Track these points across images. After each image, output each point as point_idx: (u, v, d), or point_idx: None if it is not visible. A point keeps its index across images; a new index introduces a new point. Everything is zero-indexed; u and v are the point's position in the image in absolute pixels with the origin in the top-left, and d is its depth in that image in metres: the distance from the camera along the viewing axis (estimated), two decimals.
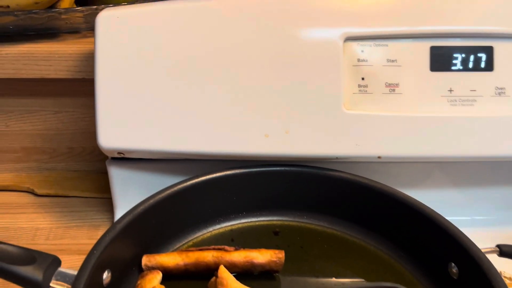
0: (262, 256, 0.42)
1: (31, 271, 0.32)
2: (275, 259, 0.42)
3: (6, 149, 0.63)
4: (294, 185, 0.48)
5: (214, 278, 0.39)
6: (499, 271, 0.45)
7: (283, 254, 0.42)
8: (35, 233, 0.54)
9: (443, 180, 0.53)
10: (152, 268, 0.41)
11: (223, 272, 0.38)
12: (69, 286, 0.33)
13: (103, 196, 0.60)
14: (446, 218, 0.42)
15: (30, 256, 0.33)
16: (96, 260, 0.35)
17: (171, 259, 0.42)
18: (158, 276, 0.40)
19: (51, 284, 0.33)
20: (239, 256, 0.42)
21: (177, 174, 0.52)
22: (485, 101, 0.46)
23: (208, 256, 0.41)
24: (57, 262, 0.35)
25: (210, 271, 0.41)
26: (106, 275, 0.37)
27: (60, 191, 0.60)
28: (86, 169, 0.65)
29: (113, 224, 0.39)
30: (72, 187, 0.61)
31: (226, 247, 0.42)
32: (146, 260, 0.41)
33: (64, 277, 0.34)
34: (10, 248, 0.34)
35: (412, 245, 0.44)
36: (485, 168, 0.52)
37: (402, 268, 0.44)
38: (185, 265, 0.41)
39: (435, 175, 0.53)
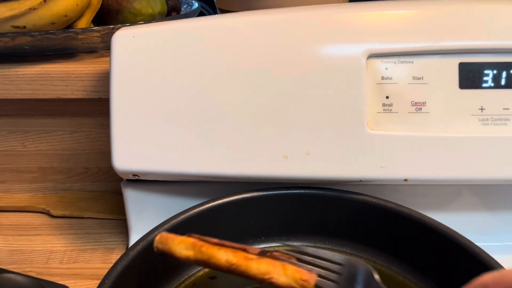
0: (284, 277, 0.34)
1: None
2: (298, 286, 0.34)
3: (23, 169, 0.63)
4: (315, 208, 0.46)
5: None
6: None
7: (314, 279, 0.33)
8: (49, 256, 0.53)
9: (474, 203, 0.50)
10: (163, 252, 0.36)
11: None
12: None
13: (118, 218, 0.59)
14: (477, 243, 0.39)
15: (39, 287, 0.32)
16: None
17: (183, 249, 0.35)
18: None
19: None
20: (258, 269, 0.34)
21: (193, 196, 0.50)
22: None
23: (222, 259, 0.35)
24: None
25: (223, 271, 0.35)
26: None
27: (75, 212, 0.59)
28: (102, 189, 0.64)
29: (126, 252, 0.37)
30: (87, 208, 0.60)
31: (248, 249, 0.34)
32: (158, 241, 0.36)
33: None
34: (19, 278, 0.32)
35: (442, 274, 0.41)
36: None
37: None
38: (196, 261, 0.35)
39: (466, 198, 0.50)
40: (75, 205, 0.61)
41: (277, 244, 0.47)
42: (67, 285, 0.35)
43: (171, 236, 0.36)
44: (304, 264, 0.34)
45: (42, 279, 0.33)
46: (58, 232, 0.57)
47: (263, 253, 0.34)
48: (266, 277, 0.33)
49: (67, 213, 0.59)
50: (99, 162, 0.62)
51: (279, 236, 0.47)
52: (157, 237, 0.36)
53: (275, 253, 0.34)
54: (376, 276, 0.33)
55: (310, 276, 0.33)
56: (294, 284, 0.33)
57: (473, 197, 0.50)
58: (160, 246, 0.36)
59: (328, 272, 0.34)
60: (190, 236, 0.36)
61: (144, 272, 0.39)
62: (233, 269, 0.34)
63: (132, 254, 0.37)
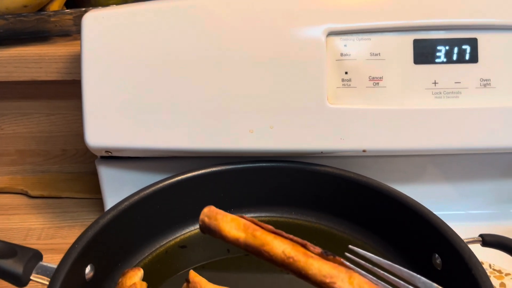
0: (349, 286, 0.29)
1: (11, 264, 0.33)
2: None
3: (1, 152, 0.64)
4: (280, 181, 0.49)
5: (185, 284, 0.38)
6: (488, 264, 0.45)
7: None
8: (27, 233, 0.54)
9: (435, 175, 0.53)
10: (208, 228, 0.33)
11: (194, 276, 0.37)
12: (49, 279, 0.33)
13: (96, 197, 0.60)
14: (441, 212, 0.42)
15: (11, 250, 0.34)
16: (77, 255, 0.36)
17: (233, 229, 0.32)
18: (139, 273, 0.40)
19: (31, 277, 0.34)
20: (319, 270, 0.29)
21: (166, 172, 0.52)
22: (470, 93, 0.46)
23: (279, 249, 0.30)
24: (38, 256, 0.35)
25: (273, 263, 0.31)
26: (88, 270, 0.38)
27: (53, 193, 0.61)
28: (80, 170, 0.65)
29: (96, 219, 0.39)
30: (65, 188, 0.62)
31: (309, 246, 0.30)
32: (205, 214, 0.33)
33: (44, 271, 0.34)
34: None
35: (398, 238, 0.44)
36: (475, 161, 0.52)
37: None
38: (246, 245, 0.32)
39: (426, 170, 0.53)
40: (53, 185, 0.62)
41: (247, 215, 0.49)
42: (44, 258, 0.36)
43: (222, 212, 0.33)
44: (371, 276, 0.30)
45: (14, 243, 0.35)
46: (36, 211, 0.58)
47: (325, 254, 0.30)
48: (328, 280, 0.29)
49: (45, 193, 0.61)
50: (76, 144, 0.64)
51: (248, 208, 0.50)
52: (205, 210, 0.32)
53: (338, 258, 0.30)
54: None
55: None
56: None
57: (433, 169, 0.53)
58: (206, 220, 0.32)
59: None
60: (242, 217, 0.33)
61: (115, 241, 0.41)
62: (289, 263, 0.30)
63: (102, 222, 0.39)
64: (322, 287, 0.29)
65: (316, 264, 0.29)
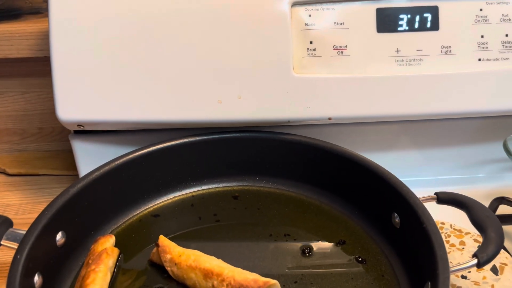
0: None
1: None
2: None
3: None
4: (250, 150, 0.50)
5: (155, 248, 0.40)
6: (449, 224, 0.47)
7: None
8: (4, 209, 0.55)
9: (402, 142, 0.54)
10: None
11: (163, 240, 0.40)
12: (18, 244, 0.34)
13: (74, 173, 0.61)
14: (410, 179, 0.43)
15: None
16: (47, 221, 0.37)
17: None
18: (111, 239, 0.41)
19: (1, 242, 0.35)
20: None
21: (139, 145, 0.52)
22: (432, 60, 0.48)
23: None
24: (8, 222, 0.36)
25: None
26: (60, 237, 0.39)
27: (31, 170, 0.61)
28: (57, 148, 0.66)
29: (67, 188, 0.40)
30: (42, 165, 0.62)
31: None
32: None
33: (14, 237, 0.35)
34: None
35: (362, 200, 0.45)
36: (441, 127, 0.53)
37: (354, 224, 0.45)
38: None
39: (393, 137, 0.54)
40: (30, 163, 0.63)
41: (219, 185, 0.51)
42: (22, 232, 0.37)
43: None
44: None
45: None
46: (14, 188, 0.59)
47: None
48: None
49: (22, 171, 0.61)
50: (52, 122, 0.64)
51: (220, 178, 0.51)
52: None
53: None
54: None
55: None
56: None
57: (401, 137, 0.54)
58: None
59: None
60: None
61: (87, 209, 0.42)
62: None
63: (72, 191, 0.40)
64: None
65: None
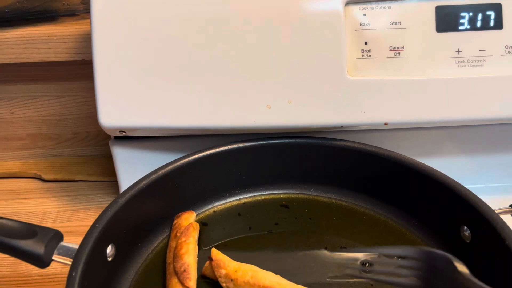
0: None
1: (32, 245, 0.32)
2: None
3: (13, 137, 0.63)
4: (299, 157, 0.47)
5: (208, 262, 0.38)
6: None
7: None
8: (43, 216, 0.54)
9: (455, 148, 0.52)
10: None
11: (217, 254, 0.38)
12: (72, 260, 0.33)
13: (110, 179, 0.60)
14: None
15: (31, 231, 0.33)
16: (98, 234, 0.35)
17: None
18: (193, 215, 0.44)
19: (53, 258, 0.33)
20: None
21: (181, 151, 0.51)
22: (495, 60, 0.45)
23: None
24: (59, 236, 0.34)
25: None
26: (110, 250, 0.37)
27: (67, 176, 0.60)
28: (92, 154, 0.64)
29: (115, 199, 0.38)
30: (78, 171, 0.61)
31: None
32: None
33: (66, 251, 0.34)
34: (10, 223, 0.33)
35: (422, 211, 0.43)
36: (497, 133, 0.50)
37: (413, 236, 0.43)
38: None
39: (447, 143, 0.51)
40: (66, 169, 0.61)
41: (266, 193, 0.49)
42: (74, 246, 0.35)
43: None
44: None
45: (34, 224, 0.34)
46: (50, 195, 0.58)
47: None
48: None
49: (58, 177, 0.60)
50: (87, 126, 0.63)
51: (266, 185, 0.49)
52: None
53: None
54: (459, 265, 0.30)
55: None
56: None
57: (454, 142, 0.51)
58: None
59: (407, 271, 0.32)
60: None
61: (134, 220, 0.40)
62: None
63: (121, 201, 0.38)
64: None
65: None
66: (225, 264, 0.37)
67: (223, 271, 0.37)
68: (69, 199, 0.57)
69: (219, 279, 0.37)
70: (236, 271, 0.36)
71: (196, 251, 0.40)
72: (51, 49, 0.54)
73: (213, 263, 0.38)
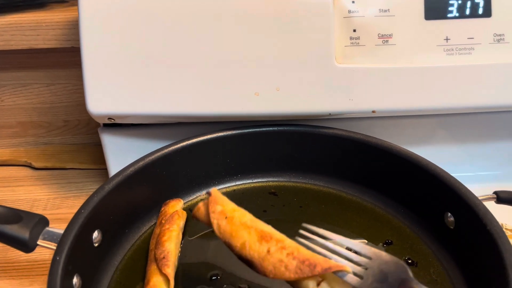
0: None
1: (17, 229, 0.32)
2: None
3: (3, 124, 0.63)
4: (288, 145, 0.48)
5: (201, 203, 0.35)
6: (500, 223, 0.44)
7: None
8: (32, 204, 0.54)
9: (445, 136, 0.52)
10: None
11: (217, 191, 0.35)
12: (56, 244, 0.33)
13: (101, 167, 0.60)
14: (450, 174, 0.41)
15: (17, 216, 0.33)
16: (84, 219, 0.35)
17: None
18: (180, 203, 0.44)
19: (38, 242, 0.33)
20: None
21: (171, 139, 0.51)
22: (484, 48, 0.45)
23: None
24: (44, 221, 0.34)
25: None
26: (96, 235, 0.37)
27: (58, 164, 0.60)
28: (83, 142, 0.64)
29: (102, 185, 0.38)
30: (69, 159, 0.61)
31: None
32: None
33: (51, 236, 0.34)
34: None
35: (409, 199, 0.43)
36: (486, 121, 0.51)
37: (400, 223, 0.43)
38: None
39: (436, 131, 0.51)
40: (56, 157, 0.61)
41: (254, 181, 0.49)
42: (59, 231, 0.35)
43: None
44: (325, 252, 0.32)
45: (19, 209, 0.34)
46: (41, 183, 0.58)
47: None
48: None
49: (49, 164, 0.60)
50: (78, 114, 0.63)
51: (255, 173, 0.49)
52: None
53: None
54: (412, 278, 0.29)
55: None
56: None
57: (443, 130, 0.52)
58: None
59: (354, 265, 0.31)
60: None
61: (121, 206, 0.41)
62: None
63: (108, 187, 0.38)
64: None
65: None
66: (223, 202, 0.34)
67: (219, 207, 0.34)
68: (59, 187, 0.57)
69: (211, 215, 0.33)
70: (234, 211, 0.34)
71: (179, 239, 0.40)
72: (39, 36, 0.54)
73: (210, 198, 0.34)
